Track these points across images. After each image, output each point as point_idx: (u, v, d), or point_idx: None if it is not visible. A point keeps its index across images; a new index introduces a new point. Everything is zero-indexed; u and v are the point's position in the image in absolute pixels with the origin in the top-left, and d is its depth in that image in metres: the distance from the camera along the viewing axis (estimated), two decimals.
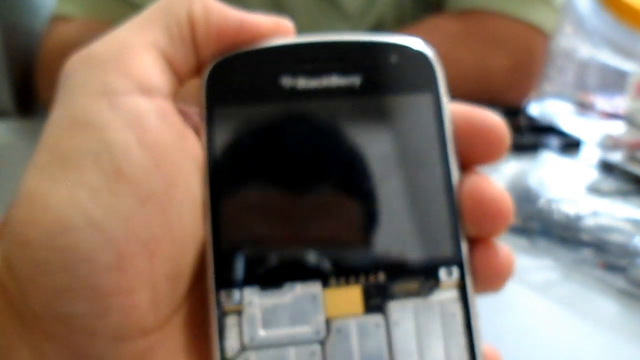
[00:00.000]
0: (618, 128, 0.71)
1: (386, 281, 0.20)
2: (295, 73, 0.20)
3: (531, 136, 0.64)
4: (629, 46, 0.82)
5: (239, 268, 0.19)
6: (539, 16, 0.73)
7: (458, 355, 0.19)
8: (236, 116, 0.20)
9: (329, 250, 0.20)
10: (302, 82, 0.20)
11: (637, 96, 0.71)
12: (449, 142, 0.21)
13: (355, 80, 0.21)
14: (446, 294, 0.20)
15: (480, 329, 0.20)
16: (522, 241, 0.43)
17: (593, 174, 0.56)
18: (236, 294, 0.19)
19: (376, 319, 0.19)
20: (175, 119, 0.19)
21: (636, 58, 0.80)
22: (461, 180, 0.20)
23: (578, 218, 0.43)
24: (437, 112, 0.21)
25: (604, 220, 0.43)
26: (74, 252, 0.16)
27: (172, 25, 0.19)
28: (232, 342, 0.19)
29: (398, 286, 0.20)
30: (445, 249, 0.20)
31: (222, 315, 0.19)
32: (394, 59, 0.21)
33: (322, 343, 0.19)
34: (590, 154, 0.62)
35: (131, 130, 0.18)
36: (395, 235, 0.20)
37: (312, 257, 0.20)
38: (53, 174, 0.17)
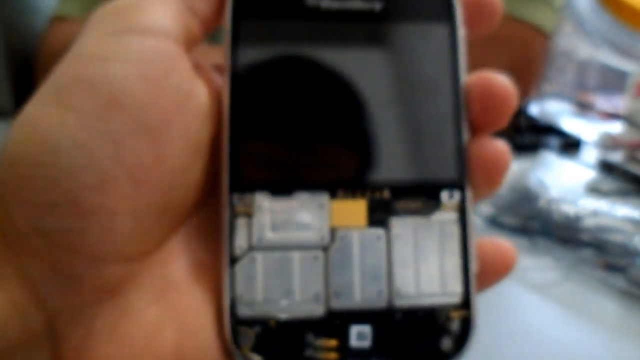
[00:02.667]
0: (618, 128, 0.71)
1: (391, 198, 0.21)
2: None
3: (531, 136, 0.64)
4: (629, 46, 0.82)
5: (252, 173, 0.20)
6: (539, 16, 0.73)
7: (452, 271, 0.21)
8: (261, 30, 0.21)
9: (339, 163, 0.21)
10: (326, 3, 0.22)
11: (637, 96, 0.71)
12: (461, 70, 0.22)
13: (376, 5, 0.22)
14: (446, 215, 0.21)
15: (475, 252, 0.21)
16: (522, 241, 0.43)
17: (593, 174, 0.57)
18: (248, 196, 0.20)
19: (378, 231, 0.21)
20: (183, 65, 0.20)
21: (636, 58, 0.80)
22: (467, 81, 0.21)
23: (578, 218, 0.43)
24: (450, 41, 0.22)
25: (604, 220, 0.43)
26: (57, 169, 0.17)
27: None
28: (241, 242, 0.20)
29: (401, 204, 0.21)
30: (449, 173, 0.21)
31: (234, 215, 0.20)
32: None
33: (326, 249, 0.20)
34: (590, 154, 0.62)
35: (133, 65, 0.18)
36: (402, 155, 0.21)
37: (322, 169, 0.21)
38: (45, 99, 0.18)
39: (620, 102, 0.78)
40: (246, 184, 0.20)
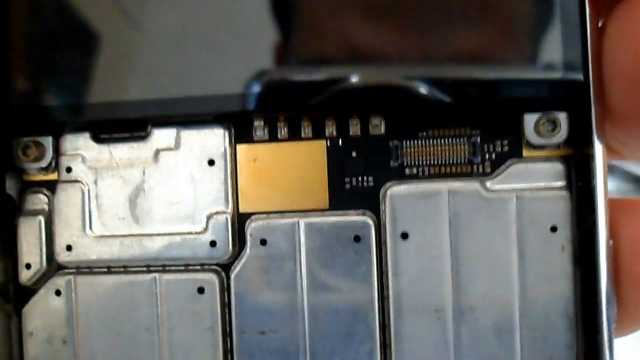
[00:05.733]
0: None
1: (386, 136, 0.09)
2: None
3: None
4: None
5: (48, 97, 0.09)
6: None
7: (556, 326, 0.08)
8: None
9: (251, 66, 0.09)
10: None
11: None
12: None
13: None
14: (539, 177, 0.09)
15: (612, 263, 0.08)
16: None
17: None
18: (46, 146, 0.09)
19: (356, 222, 0.09)
20: None
21: None
22: None
23: None
24: None
25: None
26: None
27: None
28: (31, 255, 0.09)
29: (416, 151, 0.09)
30: (543, 71, 0.09)
31: (22, 190, 0.09)
32: None
33: (228, 269, 0.09)
34: None
35: None
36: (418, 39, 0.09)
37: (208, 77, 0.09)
38: None
39: None
40: (36, 124, 0.09)
